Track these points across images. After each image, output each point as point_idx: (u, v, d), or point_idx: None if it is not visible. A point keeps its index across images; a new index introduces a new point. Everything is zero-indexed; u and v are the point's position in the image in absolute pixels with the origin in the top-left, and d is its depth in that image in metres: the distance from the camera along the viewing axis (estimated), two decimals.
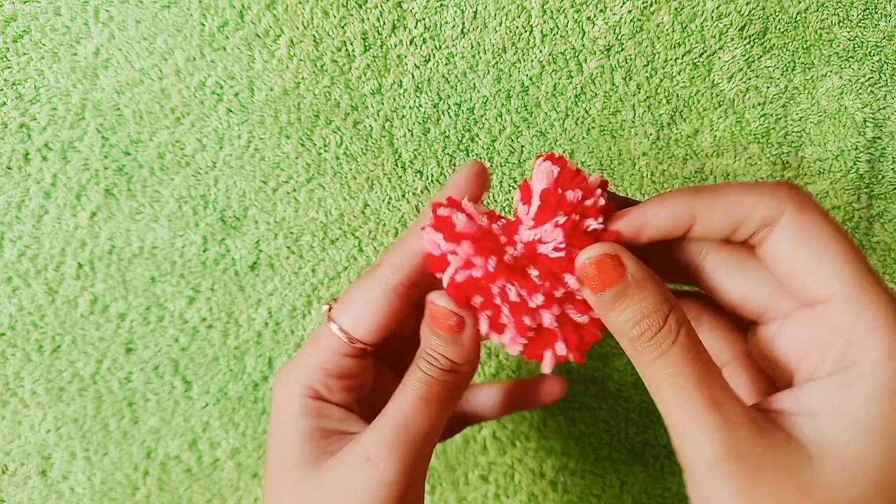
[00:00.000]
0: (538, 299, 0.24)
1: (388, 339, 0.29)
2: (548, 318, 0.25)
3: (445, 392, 0.26)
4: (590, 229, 0.24)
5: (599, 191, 0.25)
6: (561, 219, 0.24)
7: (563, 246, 0.24)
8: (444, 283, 0.25)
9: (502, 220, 0.26)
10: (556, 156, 0.25)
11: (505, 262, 0.25)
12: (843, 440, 0.21)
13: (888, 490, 0.21)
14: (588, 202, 0.24)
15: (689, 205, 0.24)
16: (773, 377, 0.26)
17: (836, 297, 0.22)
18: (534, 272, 0.25)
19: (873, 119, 0.40)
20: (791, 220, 0.23)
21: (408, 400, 0.26)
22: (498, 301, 0.25)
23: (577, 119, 0.39)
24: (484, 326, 0.26)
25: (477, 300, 0.25)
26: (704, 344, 0.24)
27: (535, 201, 0.25)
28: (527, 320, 0.25)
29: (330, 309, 0.29)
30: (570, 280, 0.24)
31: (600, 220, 0.24)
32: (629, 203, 0.25)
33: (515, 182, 0.39)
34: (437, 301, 0.25)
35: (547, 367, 0.26)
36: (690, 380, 0.22)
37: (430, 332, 0.26)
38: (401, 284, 0.27)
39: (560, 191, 0.24)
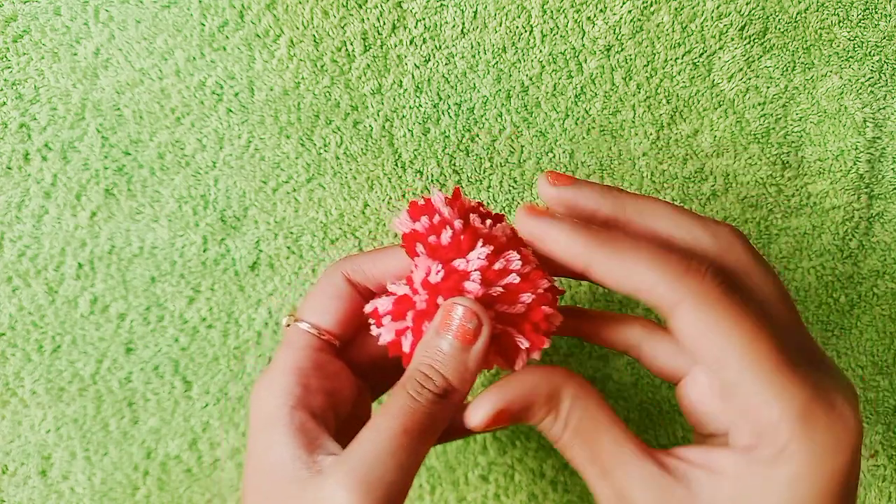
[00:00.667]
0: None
1: (358, 348, 0.29)
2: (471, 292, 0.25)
3: (430, 423, 0.24)
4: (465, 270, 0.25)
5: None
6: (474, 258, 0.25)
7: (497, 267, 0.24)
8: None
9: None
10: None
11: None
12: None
13: None
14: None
15: (585, 253, 0.23)
16: (691, 422, 0.27)
17: (743, 385, 0.22)
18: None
19: (873, 119, 0.40)
20: (690, 311, 0.22)
21: (385, 430, 0.23)
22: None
23: (577, 119, 0.39)
24: (407, 345, 0.25)
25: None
26: (662, 358, 0.27)
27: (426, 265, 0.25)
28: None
29: (291, 316, 0.29)
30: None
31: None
32: None
33: (515, 182, 0.39)
34: (461, 301, 0.24)
35: (519, 364, 0.25)
36: (582, 461, 0.24)
37: (434, 342, 0.24)
38: (360, 283, 0.28)
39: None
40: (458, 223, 0.25)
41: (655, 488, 0.23)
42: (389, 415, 0.24)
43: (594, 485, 0.24)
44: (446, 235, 0.24)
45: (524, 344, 0.25)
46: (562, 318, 0.26)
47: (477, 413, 0.23)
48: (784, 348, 0.22)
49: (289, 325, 0.28)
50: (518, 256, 0.25)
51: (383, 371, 0.30)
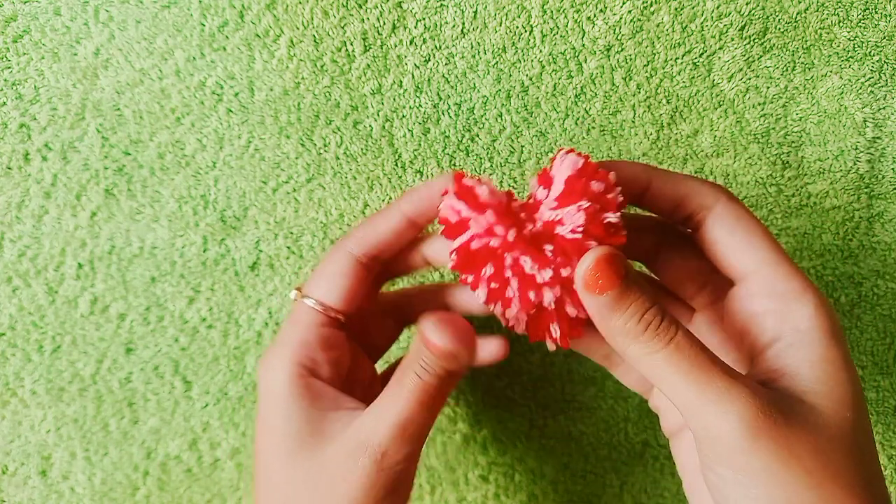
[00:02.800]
0: (546, 274, 0.25)
1: (364, 324, 0.31)
2: (549, 297, 0.26)
3: (444, 388, 0.27)
4: (606, 221, 0.25)
5: (619, 188, 0.26)
6: (585, 203, 0.25)
7: (581, 229, 0.25)
8: (454, 250, 0.26)
9: (518, 202, 0.27)
10: (578, 152, 0.27)
11: (524, 234, 0.26)
12: (822, 384, 0.24)
13: (862, 412, 0.25)
14: (609, 195, 0.26)
15: (647, 171, 0.28)
16: (737, 348, 0.29)
17: (762, 271, 0.26)
18: (548, 247, 0.26)
19: (873, 119, 0.40)
20: (725, 208, 0.27)
21: (406, 398, 0.26)
22: (508, 274, 0.25)
23: (577, 119, 0.39)
24: (482, 295, 0.26)
25: (487, 271, 0.26)
26: None
27: (559, 186, 0.26)
28: (531, 295, 0.26)
29: (299, 290, 0.30)
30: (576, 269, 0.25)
31: (618, 214, 0.26)
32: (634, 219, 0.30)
33: (515, 182, 0.39)
34: (434, 339, 0.26)
35: (552, 345, 0.27)
36: (703, 362, 0.23)
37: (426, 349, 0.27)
38: (364, 255, 0.29)
39: (584, 180, 0.26)
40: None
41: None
42: (406, 388, 0.27)
43: (709, 394, 0.24)
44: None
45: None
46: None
47: (584, 262, 0.25)
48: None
49: (296, 300, 0.30)
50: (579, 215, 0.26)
51: (377, 333, 0.33)
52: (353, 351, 0.31)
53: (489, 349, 0.32)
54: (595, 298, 0.24)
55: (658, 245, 0.31)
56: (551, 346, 0.27)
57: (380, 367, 0.35)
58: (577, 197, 0.25)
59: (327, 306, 0.29)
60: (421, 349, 0.27)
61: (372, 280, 0.31)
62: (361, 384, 0.32)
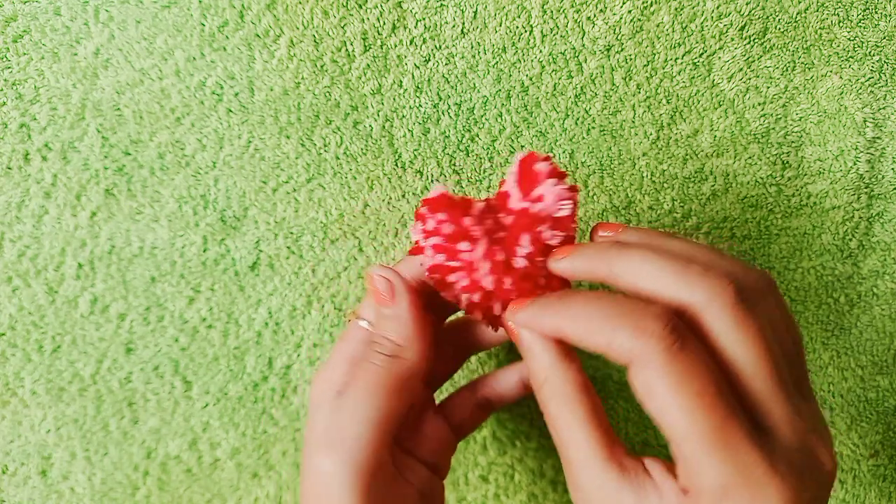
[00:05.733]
0: (524, 247, 0.27)
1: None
2: (521, 262, 0.27)
3: (391, 382, 0.28)
4: (547, 244, 0.27)
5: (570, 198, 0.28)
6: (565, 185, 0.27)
7: (567, 206, 0.27)
8: (426, 267, 0.28)
9: (479, 205, 0.28)
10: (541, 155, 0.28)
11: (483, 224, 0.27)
12: None
13: None
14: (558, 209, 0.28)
15: (557, 323, 0.25)
16: None
17: (676, 444, 0.23)
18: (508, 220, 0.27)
19: (873, 119, 0.40)
20: (637, 373, 0.23)
21: (351, 393, 0.28)
22: (479, 268, 0.27)
23: (577, 119, 0.39)
24: (464, 281, 0.27)
25: (456, 276, 0.28)
26: None
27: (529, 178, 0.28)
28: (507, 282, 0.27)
29: (353, 313, 0.32)
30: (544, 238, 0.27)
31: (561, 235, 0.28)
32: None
33: None
34: (374, 271, 0.28)
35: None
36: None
37: (377, 313, 0.29)
38: (415, 279, 0.30)
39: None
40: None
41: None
42: (356, 379, 0.28)
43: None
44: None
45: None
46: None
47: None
48: (729, 414, 0.22)
49: (349, 321, 0.31)
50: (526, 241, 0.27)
51: (439, 363, 0.33)
52: (422, 388, 0.32)
53: (510, 383, 0.35)
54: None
55: None
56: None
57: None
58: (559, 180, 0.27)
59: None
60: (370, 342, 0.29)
61: (422, 305, 0.31)
62: (419, 417, 0.33)
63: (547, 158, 0.27)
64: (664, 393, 0.22)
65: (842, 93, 0.39)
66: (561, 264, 0.27)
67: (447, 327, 0.34)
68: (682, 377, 0.22)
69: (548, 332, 0.26)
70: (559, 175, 0.27)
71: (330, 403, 0.28)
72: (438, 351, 0.33)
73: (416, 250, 0.28)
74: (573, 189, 0.27)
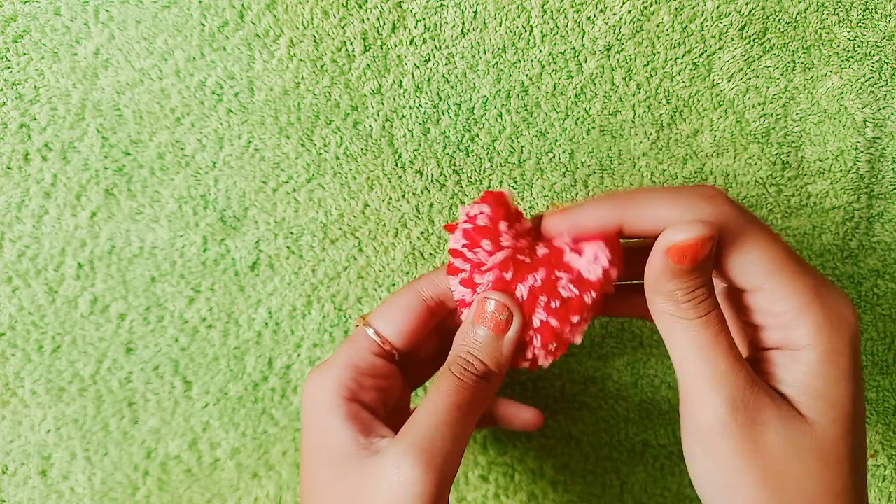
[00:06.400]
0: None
1: (412, 354, 0.31)
2: (522, 291, 0.27)
3: (475, 401, 0.27)
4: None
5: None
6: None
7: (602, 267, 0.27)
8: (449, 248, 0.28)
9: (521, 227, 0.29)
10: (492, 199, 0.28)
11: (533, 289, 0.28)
12: (809, 397, 0.25)
13: (850, 429, 0.25)
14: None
15: (616, 212, 0.27)
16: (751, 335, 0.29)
17: (767, 286, 0.26)
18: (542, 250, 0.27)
19: (873, 119, 0.40)
20: (739, 234, 0.26)
21: (438, 406, 0.26)
22: (484, 276, 0.28)
23: (577, 119, 0.39)
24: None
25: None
26: None
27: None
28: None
29: (362, 318, 0.31)
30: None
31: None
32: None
33: (516, 182, 0.39)
34: (492, 296, 0.27)
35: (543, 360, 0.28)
36: (718, 344, 0.25)
37: (471, 332, 0.28)
38: (432, 298, 0.30)
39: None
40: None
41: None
42: (442, 392, 0.27)
43: (707, 377, 0.25)
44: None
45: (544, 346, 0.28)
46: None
47: (676, 234, 0.25)
48: (797, 262, 0.26)
49: (357, 326, 0.31)
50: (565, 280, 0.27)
51: (422, 364, 0.33)
52: (403, 387, 0.32)
53: (526, 416, 0.35)
54: (667, 261, 0.25)
55: None
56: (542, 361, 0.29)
57: None
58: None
59: (384, 339, 0.30)
60: (462, 346, 0.28)
61: (434, 325, 0.31)
62: (402, 415, 0.32)
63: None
64: (779, 249, 0.26)
65: (842, 93, 0.39)
66: (565, 219, 0.27)
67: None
68: (753, 220, 0.26)
69: (616, 222, 0.26)
70: (614, 249, 0.27)
71: (339, 407, 0.28)
72: (421, 351, 0.33)
73: (451, 227, 0.28)
74: (614, 265, 0.27)
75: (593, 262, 0.27)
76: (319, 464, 0.28)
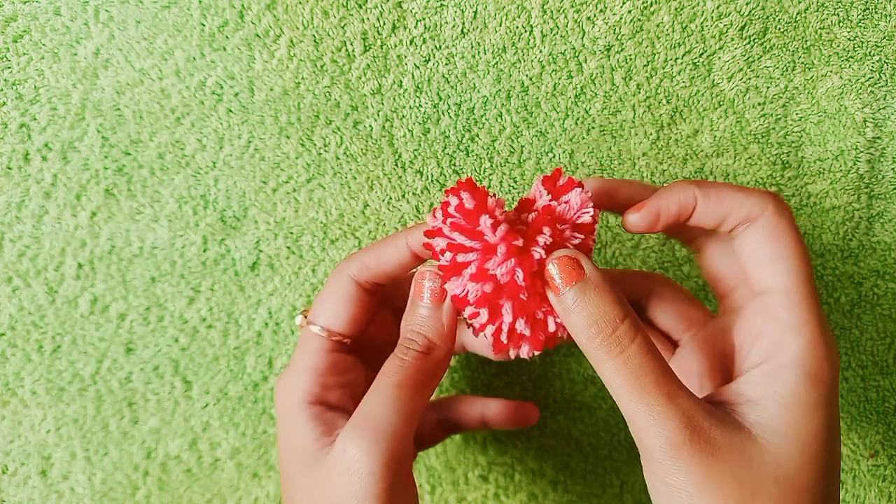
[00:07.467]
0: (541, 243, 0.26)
1: (366, 338, 0.32)
2: (539, 253, 0.26)
3: (420, 377, 0.27)
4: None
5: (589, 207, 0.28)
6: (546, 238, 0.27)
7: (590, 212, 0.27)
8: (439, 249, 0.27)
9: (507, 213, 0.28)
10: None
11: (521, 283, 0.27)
12: (778, 420, 0.25)
13: (818, 459, 0.25)
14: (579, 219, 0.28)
15: (692, 195, 0.28)
16: (726, 365, 0.29)
17: (778, 289, 0.27)
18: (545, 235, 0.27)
19: (873, 119, 0.40)
20: (767, 221, 0.27)
21: (381, 387, 0.27)
22: (496, 252, 0.26)
23: (577, 119, 0.39)
24: (484, 317, 0.27)
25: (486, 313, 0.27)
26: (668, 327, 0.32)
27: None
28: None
29: (305, 316, 0.31)
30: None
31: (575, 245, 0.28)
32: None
33: (515, 182, 0.39)
34: (426, 269, 0.28)
35: (525, 353, 0.28)
36: (650, 377, 0.24)
37: (412, 311, 0.28)
38: (367, 282, 0.30)
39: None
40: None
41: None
42: (384, 374, 0.27)
43: (648, 408, 0.25)
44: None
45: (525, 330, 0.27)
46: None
47: (634, 215, 0.27)
48: (816, 288, 0.27)
49: (302, 326, 0.31)
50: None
51: (381, 347, 0.33)
52: (367, 375, 0.32)
53: (523, 413, 0.35)
54: (560, 298, 0.25)
55: (708, 237, 0.31)
56: (524, 353, 0.28)
57: None
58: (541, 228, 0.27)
59: (332, 332, 0.30)
60: (404, 327, 0.28)
61: (375, 303, 0.32)
62: None
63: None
64: (784, 244, 0.27)
65: (842, 93, 0.39)
66: (643, 213, 0.28)
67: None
68: (799, 236, 0.27)
69: (682, 205, 0.28)
70: (583, 187, 0.27)
71: (303, 412, 0.29)
72: (376, 333, 0.34)
73: (432, 233, 0.27)
74: (596, 207, 0.28)
75: (583, 208, 0.27)
76: (291, 468, 0.29)
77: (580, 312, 0.25)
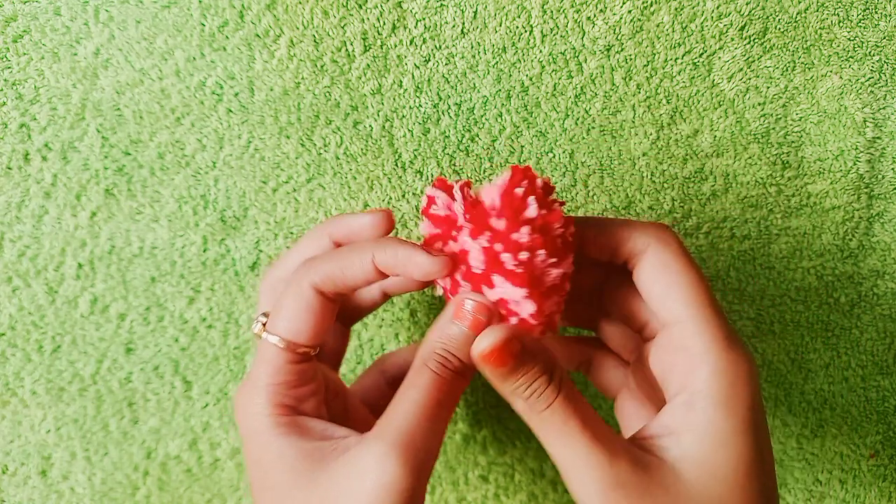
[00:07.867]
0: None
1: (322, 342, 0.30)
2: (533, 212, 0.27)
3: (450, 396, 0.27)
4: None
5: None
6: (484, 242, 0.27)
7: (482, 267, 0.27)
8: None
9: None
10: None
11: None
12: (696, 452, 0.25)
13: (745, 487, 0.25)
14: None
15: (582, 226, 0.28)
16: (656, 400, 0.30)
17: (678, 319, 0.27)
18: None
19: (873, 119, 0.40)
20: (653, 253, 0.27)
21: (417, 401, 0.26)
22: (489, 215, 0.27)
23: (577, 119, 0.39)
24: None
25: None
26: (604, 376, 0.33)
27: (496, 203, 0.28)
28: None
29: (264, 324, 0.29)
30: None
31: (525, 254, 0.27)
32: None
33: None
34: (472, 297, 0.27)
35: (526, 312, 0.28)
36: (575, 426, 0.25)
37: (448, 328, 0.27)
38: (331, 292, 0.28)
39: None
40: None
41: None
42: (419, 388, 0.27)
43: (575, 455, 0.25)
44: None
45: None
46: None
47: (482, 341, 0.26)
48: (718, 309, 0.27)
49: (260, 335, 0.29)
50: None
51: (328, 349, 0.33)
52: (325, 375, 0.31)
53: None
54: (491, 369, 0.26)
55: (608, 277, 0.31)
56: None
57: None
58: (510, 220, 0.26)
59: (298, 344, 0.28)
60: (436, 342, 0.27)
61: (336, 309, 0.30)
62: (341, 399, 0.32)
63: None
64: (677, 274, 0.27)
65: (842, 93, 0.39)
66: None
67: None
68: (689, 260, 0.27)
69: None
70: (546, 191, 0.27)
71: (275, 426, 0.27)
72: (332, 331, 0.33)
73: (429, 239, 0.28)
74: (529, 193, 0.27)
75: (533, 204, 0.26)
76: (278, 486, 0.27)
77: (514, 385, 0.26)
